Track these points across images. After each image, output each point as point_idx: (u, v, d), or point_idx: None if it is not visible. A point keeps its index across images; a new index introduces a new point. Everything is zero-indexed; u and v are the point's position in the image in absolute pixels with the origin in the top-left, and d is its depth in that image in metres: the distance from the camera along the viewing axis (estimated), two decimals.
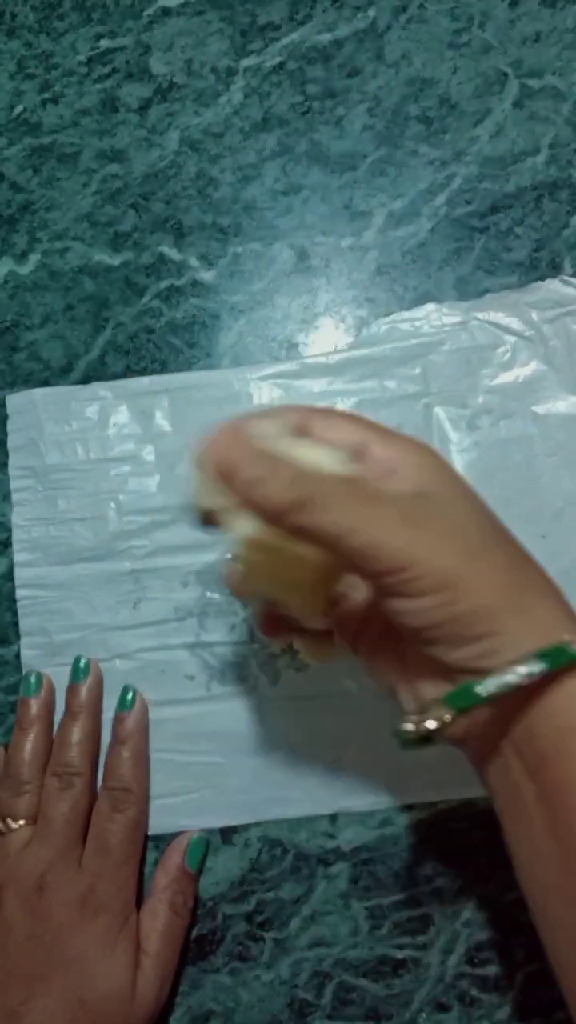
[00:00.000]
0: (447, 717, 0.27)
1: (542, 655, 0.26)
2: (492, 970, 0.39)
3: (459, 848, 0.40)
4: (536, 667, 0.26)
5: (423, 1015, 0.39)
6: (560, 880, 0.27)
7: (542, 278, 0.43)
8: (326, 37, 0.46)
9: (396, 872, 0.40)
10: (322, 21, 0.46)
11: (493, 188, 0.44)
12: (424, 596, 0.26)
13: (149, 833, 0.40)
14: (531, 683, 0.26)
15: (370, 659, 0.32)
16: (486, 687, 0.26)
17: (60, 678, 0.42)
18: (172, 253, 0.45)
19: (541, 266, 0.44)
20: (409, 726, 0.27)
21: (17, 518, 0.43)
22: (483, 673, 0.26)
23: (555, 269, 0.43)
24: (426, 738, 0.28)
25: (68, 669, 0.41)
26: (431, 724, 0.27)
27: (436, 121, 0.45)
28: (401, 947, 0.39)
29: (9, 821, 0.38)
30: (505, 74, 0.45)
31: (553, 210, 0.44)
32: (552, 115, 0.45)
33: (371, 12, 0.46)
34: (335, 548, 0.26)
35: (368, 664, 0.32)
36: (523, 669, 0.26)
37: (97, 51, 0.47)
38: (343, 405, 0.43)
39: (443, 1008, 0.39)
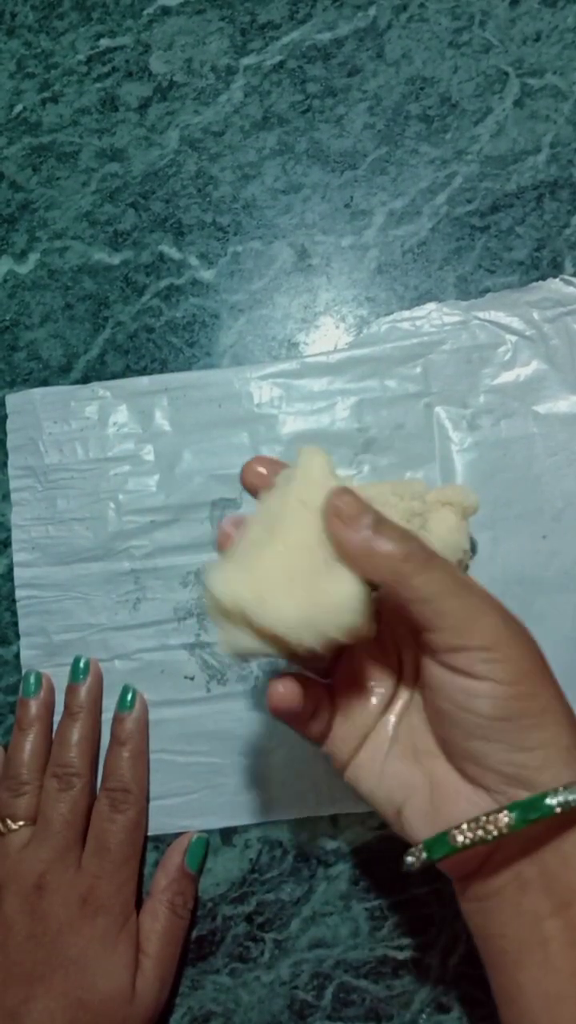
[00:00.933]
0: (504, 827, 0.26)
1: None
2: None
3: None
4: None
5: (424, 1016, 0.39)
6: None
7: (543, 277, 0.43)
8: (326, 36, 0.46)
9: (397, 873, 0.40)
10: (322, 20, 0.46)
11: (494, 187, 0.44)
12: (503, 684, 0.26)
13: (149, 834, 0.40)
14: None
15: (381, 774, 0.31)
16: (559, 799, 0.25)
17: (60, 678, 0.41)
18: (172, 252, 0.45)
19: (542, 265, 0.43)
20: (465, 833, 0.26)
21: (16, 518, 0.43)
22: (529, 787, 0.26)
23: (556, 268, 0.43)
24: (430, 864, 0.27)
25: (68, 669, 0.41)
26: (492, 831, 0.26)
27: (437, 120, 0.45)
28: (402, 948, 0.39)
29: (9, 822, 0.38)
30: (506, 73, 0.45)
31: (554, 209, 0.44)
32: (553, 114, 0.44)
33: (371, 11, 0.46)
34: (426, 609, 0.27)
35: (372, 781, 0.31)
36: None
37: (97, 50, 0.47)
38: (343, 404, 0.43)
39: (444, 1009, 0.39)
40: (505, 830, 0.26)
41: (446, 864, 0.28)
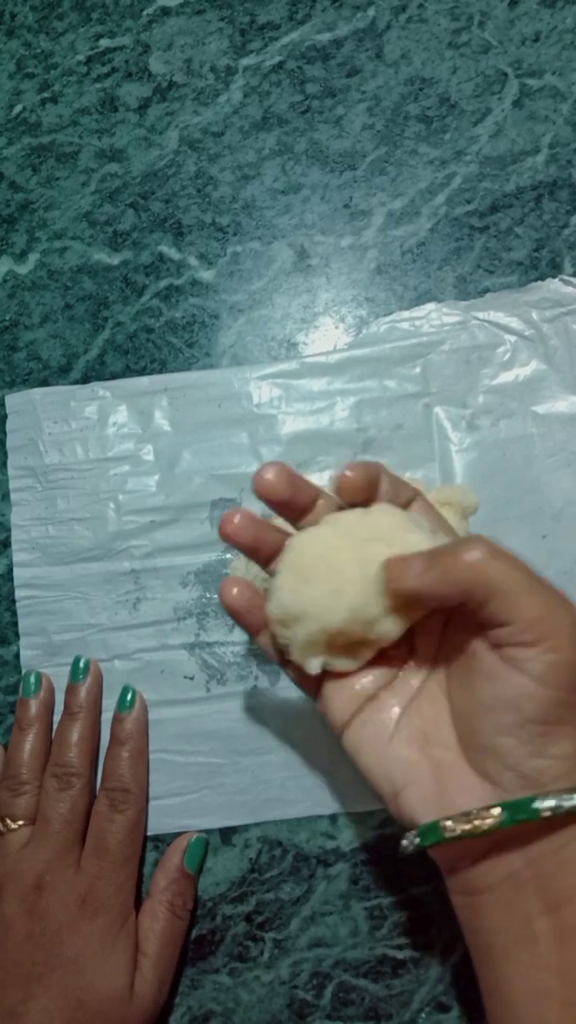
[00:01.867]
0: (492, 824, 0.26)
1: None
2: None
3: None
4: None
5: (423, 1015, 0.39)
6: (558, 1020, 0.26)
7: (542, 277, 0.43)
8: (326, 36, 0.46)
9: (396, 872, 0.40)
10: (322, 20, 0.46)
11: (493, 187, 0.44)
12: (553, 689, 0.26)
13: (148, 834, 0.40)
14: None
15: (384, 755, 0.30)
16: (548, 803, 0.26)
17: (60, 678, 0.41)
18: (171, 252, 0.45)
19: (541, 265, 0.43)
20: (455, 825, 0.27)
21: (16, 518, 0.43)
22: (540, 792, 0.26)
23: (555, 268, 0.43)
24: (421, 849, 0.28)
25: (68, 669, 0.41)
26: (481, 826, 0.26)
27: (436, 120, 0.45)
28: (401, 947, 0.39)
29: (8, 821, 0.38)
30: (505, 74, 0.45)
31: (553, 210, 0.44)
32: (552, 115, 0.45)
33: (371, 11, 0.46)
34: (502, 604, 0.27)
35: (373, 759, 0.30)
36: None
37: (96, 51, 0.47)
38: (343, 404, 0.43)
39: (443, 1008, 0.39)
40: (495, 826, 0.26)
41: (438, 854, 0.29)
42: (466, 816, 0.27)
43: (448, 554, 0.27)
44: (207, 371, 0.44)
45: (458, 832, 0.27)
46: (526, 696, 0.27)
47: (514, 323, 0.43)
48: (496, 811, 0.26)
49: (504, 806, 0.26)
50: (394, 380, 0.43)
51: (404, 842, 0.29)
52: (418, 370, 0.43)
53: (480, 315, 0.43)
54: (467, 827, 0.27)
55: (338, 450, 0.42)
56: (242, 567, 0.41)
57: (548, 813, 0.26)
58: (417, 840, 0.28)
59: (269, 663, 0.41)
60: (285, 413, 0.43)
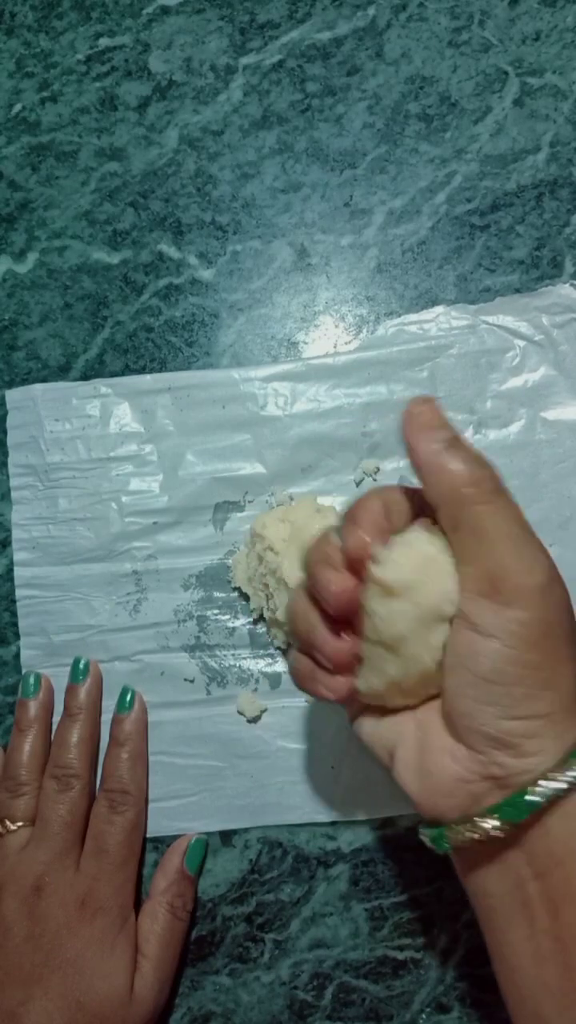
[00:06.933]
0: (497, 829, 0.26)
1: None
2: (492, 971, 0.39)
3: None
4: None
5: (424, 1016, 0.39)
6: (559, 982, 0.26)
7: (543, 276, 0.43)
8: (326, 35, 0.46)
9: (396, 873, 0.40)
10: (322, 19, 0.46)
11: (494, 186, 0.44)
12: (509, 648, 0.25)
13: (148, 835, 0.40)
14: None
15: (378, 720, 0.31)
16: (541, 794, 0.25)
17: (59, 679, 0.41)
18: (171, 251, 0.45)
19: (542, 264, 0.43)
20: (459, 834, 0.27)
21: (17, 516, 0.43)
22: (513, 752, 0.26)
23: (556, 267, 0.43)
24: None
25: (67, 670, 0.41)
26: (490, 827, 0.26)
27: (436, 119, 0.45)
28: (402, 948, 0.39)
29: (8, 822, 0.38)
30: (505, 72, 0.45)
31: (554, 208, 0.44)
32: (552, 113, 0.44)
33: (371, 10, 0.46)
34: (471, 541, 0.26)
35: (370, 726, 0.31)
36: (571, 774, 0.25)
37: (96, 49, 0.47)
38: (349, 408, 0.42)
39: (443, 1009, 0.39)
40: (497, 830, 0.26)
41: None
42: (465, 824, 0.27)
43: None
44: (210, 371, 0.43)
45: (461, 840, 0.27)
46: (479, 653, 0.26)
47: (523, 328, 0.42)
48: (497, 823, 0.26)
49: (501, 812, 0.26)
50: (401, 384, 0.42)
51: (422, 838, 0.29)
52: (425, 374, 0.42)
53: (489, 319, 0.42)
54: (479, 832, 0.27)
55: (343, 454, 0.42)
56: (242, 562, 0.41)
57: (546, 797, 0.25)
58: (431, 844, 0.29)
59: (270, 665, 0.41)
60: (290, 416, 0.42)
